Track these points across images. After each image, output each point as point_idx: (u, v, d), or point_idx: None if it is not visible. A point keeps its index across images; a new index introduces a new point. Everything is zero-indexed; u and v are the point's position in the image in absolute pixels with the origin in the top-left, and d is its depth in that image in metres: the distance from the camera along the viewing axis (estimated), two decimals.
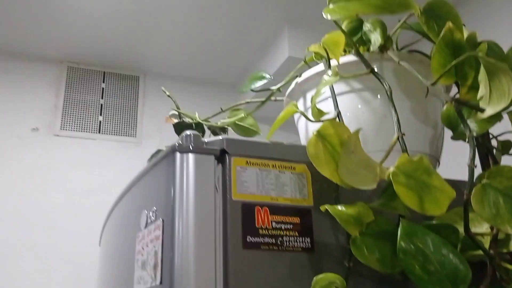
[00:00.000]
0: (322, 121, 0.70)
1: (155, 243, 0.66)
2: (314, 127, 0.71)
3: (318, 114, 0.71)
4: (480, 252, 0.63)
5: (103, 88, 1.96)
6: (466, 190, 0.60)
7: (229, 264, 0.59)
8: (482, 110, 0.64)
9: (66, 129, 1.86)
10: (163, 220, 0.64)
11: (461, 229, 0.64)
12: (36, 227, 1.73)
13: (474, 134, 0.72)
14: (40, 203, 1.75)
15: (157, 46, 1.90)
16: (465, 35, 0.82)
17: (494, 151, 0.84)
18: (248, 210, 0.63)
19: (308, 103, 0.91)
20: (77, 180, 1.82)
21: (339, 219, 0.58)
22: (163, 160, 0.70)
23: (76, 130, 1.87)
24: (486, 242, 0.67)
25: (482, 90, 0.68)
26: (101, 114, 1.93)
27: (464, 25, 1.20)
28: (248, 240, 0.61)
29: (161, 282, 0.61)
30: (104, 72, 1.98)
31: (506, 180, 0.64)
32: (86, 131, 1.88)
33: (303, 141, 0.93)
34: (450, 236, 0.65)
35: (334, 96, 0.76)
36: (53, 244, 1.73)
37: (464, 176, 0.64)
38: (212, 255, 0.59)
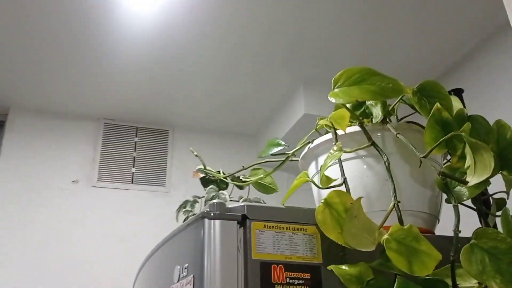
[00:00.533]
0: (331, 187, 0.82)
1: None
2: (324, 192, 0.83)
3: (327, 181, 0.83)
4: None
5: (136, 142, 2.13)
6: (451, 252, 0.70)
7: None
8: (466, 182, 0.74)
9: (103, 181, 2.03)
10: (193, 276, 0.76)
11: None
12: (74, 271, 1.87)
13: (465, 198, 0.82)
14: (79, 249, 1.90)
15: (184, 102, 2.07)
16: (458, 106, 0.93)
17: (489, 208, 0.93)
18: (265, 267, 0.74)
19: (319, 165, 1.03)
20: (112, 227, 1.96)
21: (342, 278, 0.69)
22: (194, 223, 0.81)
23: (112, 181, 2.03)
24: None
25: (468, 161, 0.78)
26: (134, 166, 2.09)
27: (463, 90, 1.32)
28: None
29: None
30: (137, 127, 2.16)
31: (490, 240, 0.73)
32: (121, 182, 2.04)
33: (316, 201, 1.04)
34: None
35: (341, 165, 0.87)
36: (91, 285, 1.86)
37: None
38: None
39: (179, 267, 0.84)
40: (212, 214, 0.76)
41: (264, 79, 1.93)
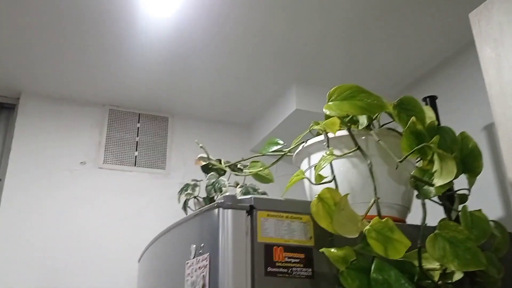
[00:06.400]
0: (322, 183, 0.98)
1: (203, 270, 0.93)
2: (316, 186, 0.99)
3: (319, 179, 0.99)
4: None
5: (138, 128, 2.26)
6: (419, 240, 0.88)
7: (256, 286, 0.86)
8: (432, 185, 0.91)
9: (108, 163, 2.16)
10: (209, 254, 0.92)
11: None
12: (83, 246, 2.01)
13: (432, 196, 0.99)
14: (87, 226, 2.04)
15: (184, 92, 2.19)
16: (431, 117, 1.10)
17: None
18: (268, 248, 0.90)
19: (312, 162, 1.18)
20: (116, 206, 2.10)
21: (331, 259, 0.86)
22: (209, 211, 0.97)
23: (116, 164, 2.16)
24: (437, 275, 0.94)
25: (436, 166, 0.95)
26: (136, 150, 2.23)
27: (436, 97, 1.48)
28: (268, 270, 0.88)
29: None
30: (139, 114, 2.29)
31: (451, 231, 0.90)
32: (124, 164, 2.18)
33: (307, 192, 1.20)
34: (411, 269, 0.91)
35: (331, 164, 1.04)
36: (97, 260, 2.01)
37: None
38: (244, 279, 0.86)
39: (194, 245, 1.00)
40: (225, 204, 0.92)
41: (258, 76, 2.06)
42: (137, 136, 2.22)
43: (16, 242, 1.93)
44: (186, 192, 1.74)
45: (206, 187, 1.48)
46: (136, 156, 2.19)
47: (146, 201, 2.14)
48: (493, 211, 1.56)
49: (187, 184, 1.72)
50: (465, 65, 1.79)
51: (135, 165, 2.17)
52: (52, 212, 2.00)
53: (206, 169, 1.57)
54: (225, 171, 1.52)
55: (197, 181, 1.65)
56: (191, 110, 2.34)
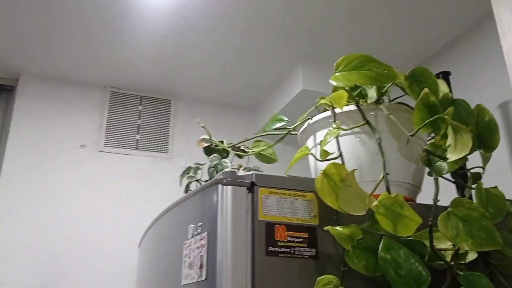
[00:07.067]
0: (328, 159, 0.92)
1: (201, 250, 0.88)
2: (321, 164, 0.93)
3: (325, 155, 0.94)
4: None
5: (140, 110, 2.21)
6: (430, 218, 0.82)
7: (256, 267, 0.81)
8: (446, 159, 0.85)
9: (108, 146, 2.12)
10: (208, 233, 0.87)
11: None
12: (83, 231, 1.99)
13: (445, 172, 0.93)
14: (88, 210, 2.01)
15: (187, 73, 2.14)
16: (445, 90, 1.04)
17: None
18: (270, 227, 0.85)
19: (317, 139, 1.13)
20: (117, 190, 2.07)
21: (337, 237, 0.81)
22: (207, 188, 0.92)
23: (117, 147, 2.12)
24: (449, 255, 0.88)
25: (450, 140, 0.89)
26: (138, 133, 2.18)
27: (450, 73, 1.42)
28: (269, 249, 0.83)
29: (206, 278, 0.84)
30: (141, 96, 2.24)
31: (465, 209, 0.84)
32: (126, 148, 2.13)
33: (312, 170, 1.15)
34: (421, 249, 0.86)
35: (337, 140, 0.98)
36: (98, 244, 1.98)
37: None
38: (244, 259, 0.81)
39: (193, 225, 0.95)
40: (225, 181, 0.87)
41: (265, 56, 2.00)
42: (139, 119, 2.17)
43: (14, 225, 1.90)
44: (188, 175, 1.70)
45: (208, 169, 1.44)
46: (137, 140, 2.14)
47: (148, 186, 2.10)
48: (509, 192, 1.49)
49: (189, 167, 1.69)
50: (480, 41, 1.72)
51: (136, 149, 2.13)
52: (52, 196, 1.97)
53: (209, 151, 1.53)
54: (228, 153, 1.48)
55: (200, 164, 1.62)
56: (194, 92, 2.28)
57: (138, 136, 2.17)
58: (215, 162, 1.46)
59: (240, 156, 1.44)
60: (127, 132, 2.15)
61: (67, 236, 1.95)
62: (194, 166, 1.66)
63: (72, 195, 2.00)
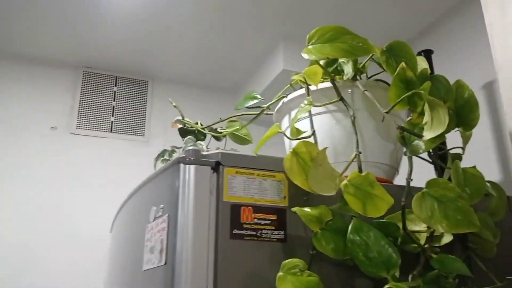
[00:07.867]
0: (300, 138, 0.87)
1: (161, 233, 0.83)
2: (296, 143, 0.88)
3: (296, 133, 0.88)
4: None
5: (115, 91, 2.13)
6: (403, 198, 0.77)
7: (219, 250, 0.76)
8: (421, 136, 0.81)
9: (81, 128, 2.04)
10: (168, 215, 0.82)
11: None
12: (55, 217, 1.92)
13: (421, 151, 0.89)
14: (59, 195, 1.94)
15: (165, 54, 2.06)
16: (423, 66, 0.98)
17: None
18: (235, 209, 0.80)
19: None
20: (91, 174, 2.00)
21: (304, 219, 0.76)
22: (170, 168, 0.86)
23: (91, 129, 2.04)
24: (423, 238, 0.84)
25: (426, 117, 0.85)
26: (113, 115, 2.10)
27: (432, 51, 1.37)
28: (234, 232, 0.78)
29: (165, 263, 0.79)
30: (116, 77, 2.15)
31: (441, 189, 0.79)
32: (99, 130, 2.06)
33: (288, 151, 1.10)
34: (394, 232, 0.82)
35: (311, 118, 0.93)
36: (71, 231, 1.92)
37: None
38: (206, 243, 0.77)
39: (155, 208, 0.90)
40: (187, 160, 0.81)
41: (244, 35, 1.93)
42: (114, 100, 2.09)
43: None
44: (162, 158, 1.65)
45: (183, 151, 1.38)
46: (112, 122, 2.07)
47: (124, 169, 2.03)
48: (491, 174, 1.46)
49: (164, 150, 1.63)
50: (465, 21, 1.67)
51: (111, 131, 2.05)
52: (21, 180, 1.89)
53: (184, 132, 1.47)
54: (205, 136, 1.42)
55: (176, 147, 1.57)
56: (172, 73, 2.20)
57: (112, 118, 2.09)
58: (189, 144, 1.41)
59: (217, 139, 1.39)
60: (101, 114, 2.07)
61: (38, 223, 1.88)
62: (170, 149, 1.61)
63: (43, 179, 1.92)
